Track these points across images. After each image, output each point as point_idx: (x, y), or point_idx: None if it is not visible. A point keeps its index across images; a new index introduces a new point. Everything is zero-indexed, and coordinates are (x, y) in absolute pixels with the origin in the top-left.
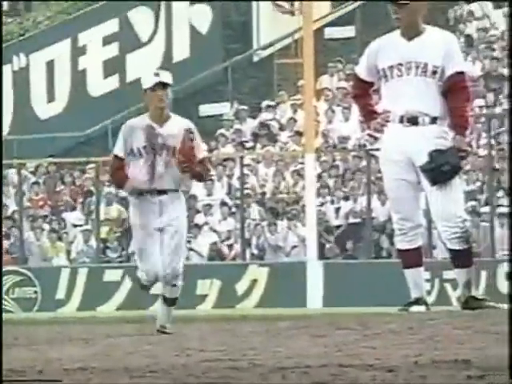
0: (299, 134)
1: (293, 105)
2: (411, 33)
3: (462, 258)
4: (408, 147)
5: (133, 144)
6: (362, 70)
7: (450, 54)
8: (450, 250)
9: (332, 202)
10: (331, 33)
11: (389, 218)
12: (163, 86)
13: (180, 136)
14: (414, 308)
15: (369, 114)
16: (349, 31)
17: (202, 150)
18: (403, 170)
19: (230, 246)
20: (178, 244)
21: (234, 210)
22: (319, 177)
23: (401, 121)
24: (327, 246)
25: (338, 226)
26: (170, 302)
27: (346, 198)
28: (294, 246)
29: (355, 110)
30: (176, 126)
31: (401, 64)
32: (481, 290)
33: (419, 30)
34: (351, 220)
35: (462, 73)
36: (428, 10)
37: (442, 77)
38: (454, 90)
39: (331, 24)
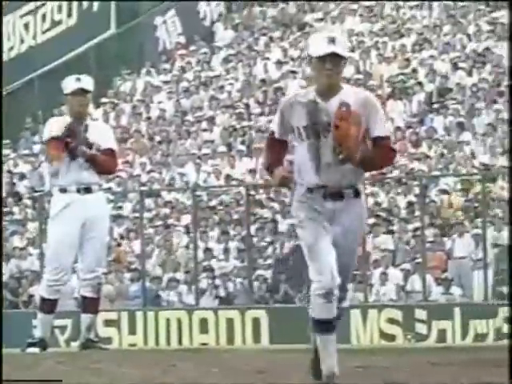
0: None
1: None
2: None
3: (91, 305)
4: None
5: (292, 122)
6: None
7: None
8: (83, 297)
9: None
10: None
11: (10, 275)
12: None
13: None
14: (30, 349)
15: None
16: None
17: None
18: None
19: None
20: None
21: None
22: None
23: None
24: None
25: None
26: None
27: None
28: None
29: None
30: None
31: None
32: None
33: None
34: None
35: None
36: None
37: None
38: None
39: None
